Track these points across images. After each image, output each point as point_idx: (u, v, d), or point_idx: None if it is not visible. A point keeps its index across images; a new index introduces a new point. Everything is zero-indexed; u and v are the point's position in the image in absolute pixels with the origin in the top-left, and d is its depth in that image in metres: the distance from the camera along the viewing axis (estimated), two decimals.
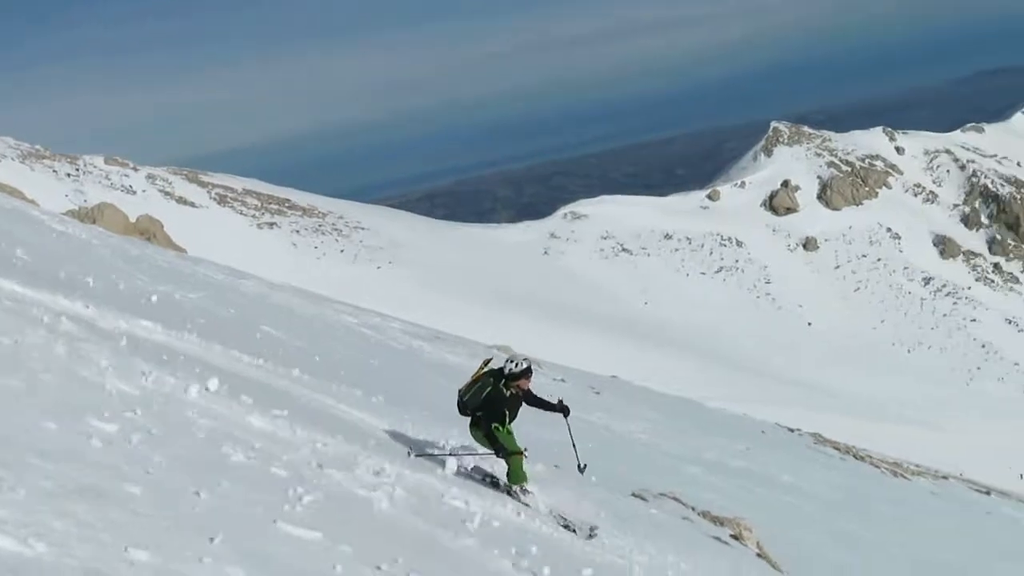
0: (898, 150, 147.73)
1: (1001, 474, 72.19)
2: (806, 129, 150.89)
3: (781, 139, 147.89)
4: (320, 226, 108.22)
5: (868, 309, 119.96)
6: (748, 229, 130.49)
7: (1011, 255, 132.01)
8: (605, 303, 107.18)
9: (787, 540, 17.70)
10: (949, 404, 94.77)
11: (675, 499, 16.29)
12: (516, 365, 11.26)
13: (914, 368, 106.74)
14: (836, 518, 24.99)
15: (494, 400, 11.17)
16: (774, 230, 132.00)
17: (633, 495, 15.55)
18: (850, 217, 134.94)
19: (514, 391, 11.26)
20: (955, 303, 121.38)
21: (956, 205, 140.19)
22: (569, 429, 12.26)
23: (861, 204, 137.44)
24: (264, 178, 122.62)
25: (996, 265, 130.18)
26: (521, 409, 11.51)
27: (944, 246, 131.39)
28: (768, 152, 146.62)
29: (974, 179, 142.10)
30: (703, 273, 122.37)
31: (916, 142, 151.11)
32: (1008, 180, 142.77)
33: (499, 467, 11.76)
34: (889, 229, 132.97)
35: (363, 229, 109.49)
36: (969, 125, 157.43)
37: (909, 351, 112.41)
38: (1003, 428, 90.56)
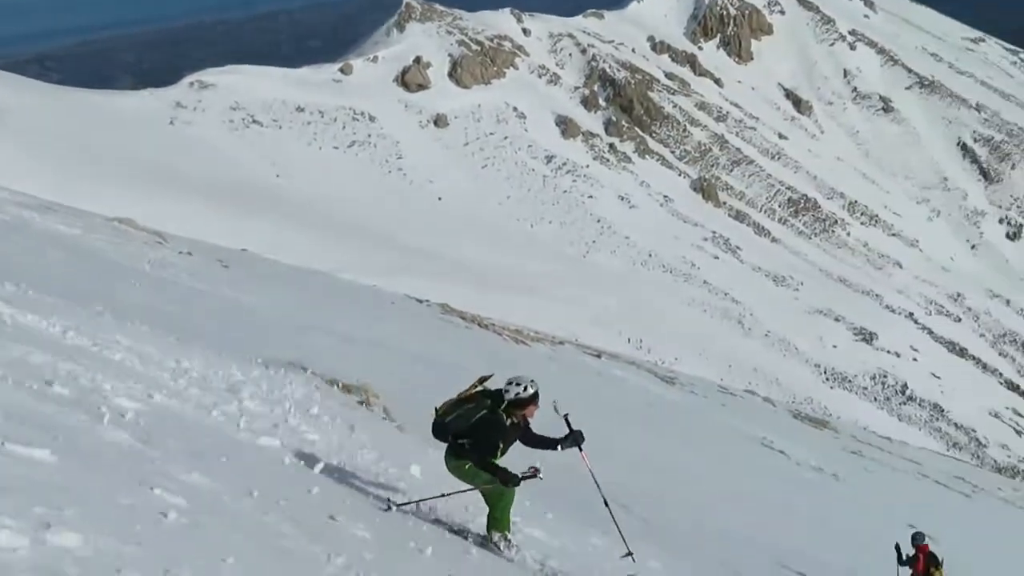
0: (525, 32, 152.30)
1: (611, 339, 77.95)
2: (438, 7, 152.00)
3: (413, 15, 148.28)
4: None
5: (495, 185, 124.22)
6: (380, 104, 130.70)
7: (625, 136, 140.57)
8: (235, 176, 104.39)
9: (414, 405, 18.19)
10: (567, 276, 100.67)
11: (303, 368, 16.25)
12: (524, 389, 9.07)
13: (537, 242, 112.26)
14: (461, 382, 25.95)
15: (490, 426, 9.00)
16: (406, 106, 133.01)
17: (263, 365, 15.37)
18: (479, 96, 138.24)
19: (516, 420, 9.14)
20: (574, 181, 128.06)
21: (577, 88, 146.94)
22: (590, 469, 9.59)
23: (490, 83, 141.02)
24: None
25: (611, 145, 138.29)
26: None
27: (565, 126, 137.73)
28: (401, 28, 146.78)
29: (593, 63, 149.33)
30: (336, 147, 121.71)
31: (542, 25, 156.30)
32: (624, 65, 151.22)
33: (473, 507, 9.76)
34: (515, 108, 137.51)
35: None
36: (590, 11, 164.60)
37: (532, 226, 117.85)
38: (614, 297, 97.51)
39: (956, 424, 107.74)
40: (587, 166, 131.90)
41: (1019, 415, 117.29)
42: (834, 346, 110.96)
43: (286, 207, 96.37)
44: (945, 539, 26.42)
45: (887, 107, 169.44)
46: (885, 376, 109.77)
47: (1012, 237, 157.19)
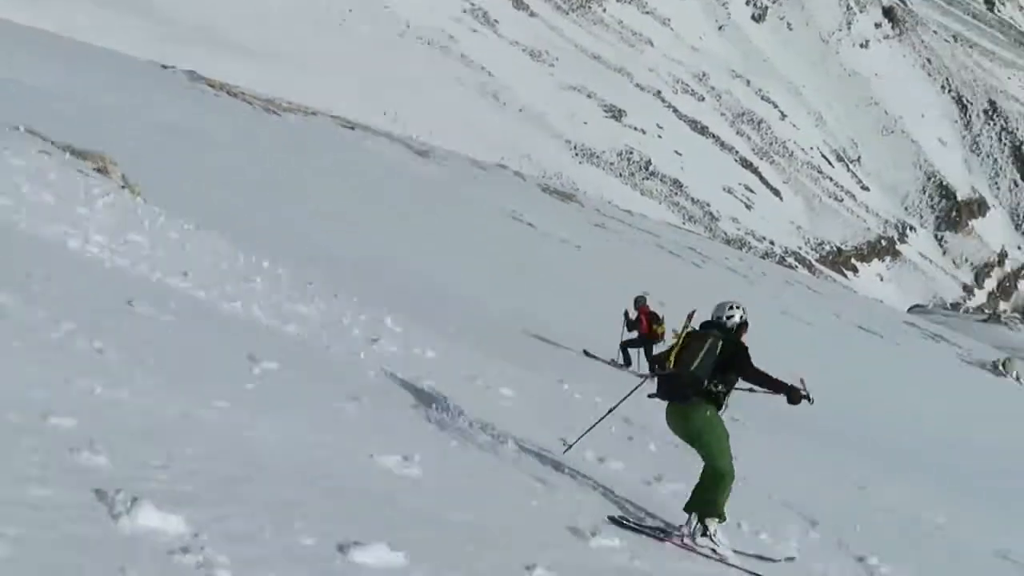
0: None
1: (365, 111, 76.87)
2: None
3: None
4: None
5: None
6: None
7: None
8: None
9: (152, 171, 17.65)
10: (322, 45, 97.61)
11: (33, 133, 15.40)
12: (743, 310, 7.71)
13: (290, 9, 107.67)
14: (206, 151, 25.28)
15: (742, 350, 7.43)
16: None
17: None
18: None
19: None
20: None
21: None
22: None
23: None
24: None
25: None
26: None
27: None
28: None
29: None
30: None
31: None
32: None
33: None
34: None
35: None
36: None
37: None
38: (370, 69, 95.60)
39: (693, 199, 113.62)
40: None
41: (750, 191, 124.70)
42: (584, 122, 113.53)
43: None
44: (676, 303, 28.27)
45: None
46: (631, 152, 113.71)
47: (757, 19, 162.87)
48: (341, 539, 4.29)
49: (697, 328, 7.59)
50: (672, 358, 7.32)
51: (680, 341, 7.44)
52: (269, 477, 4.84)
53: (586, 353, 18.15)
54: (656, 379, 7.52)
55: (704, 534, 7.06)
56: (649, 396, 7.44)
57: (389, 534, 4.52)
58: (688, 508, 7.19)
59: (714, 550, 7.00)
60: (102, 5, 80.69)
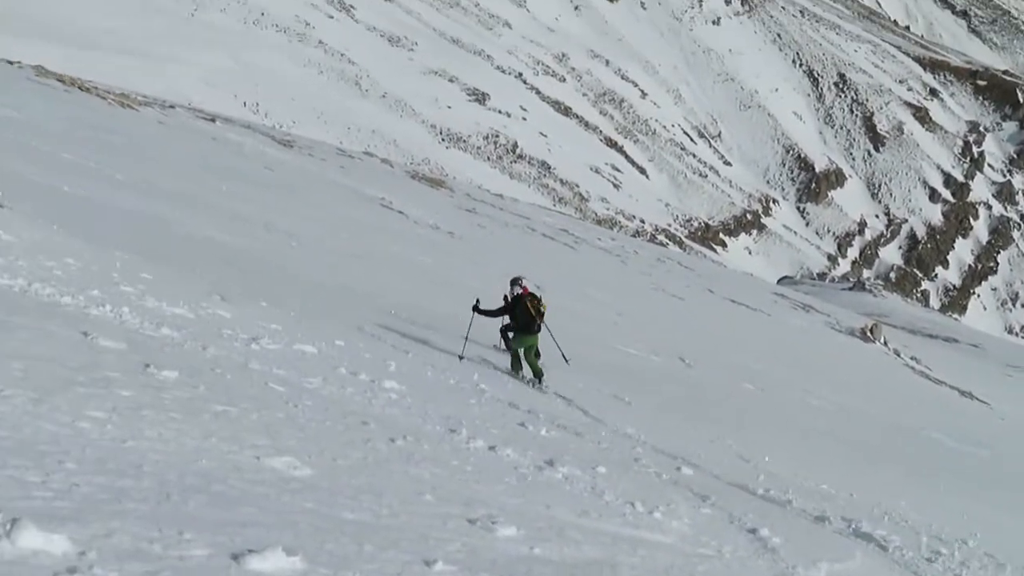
0: None
1: (225, 102, 75.43)
2: None
3: None
4: None
5: None
6: None
7: None
8: None
9: (11, 173, 16.94)
10: (174, 35, 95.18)
11: None
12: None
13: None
14: (65, 148, 24.39)
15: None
16: None
17: None
18: None
19: None
20: None
21: None
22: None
23: None
24: None
25: None
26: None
27: None
28: None
29: None
30: None
31: None
32: None
33: None
34: None
35: None
36: None
37: None
38: (226, 58, 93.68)
39: (561, 180, 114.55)
40: None
41: (617, 170, 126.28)
42: (449, 107, 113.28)
43: None
44: (553, 285, 28.43)
45: None
46: (497, 136, 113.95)
47: None
48: (234, 548, 4.14)
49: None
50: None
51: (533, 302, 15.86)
52: (154, 488, 4.64)
53: (466, 339, 18.05)
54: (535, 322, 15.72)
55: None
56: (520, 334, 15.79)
57: (283, 539, 4.39)
58: (537, 376, 15.06)
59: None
60: None
